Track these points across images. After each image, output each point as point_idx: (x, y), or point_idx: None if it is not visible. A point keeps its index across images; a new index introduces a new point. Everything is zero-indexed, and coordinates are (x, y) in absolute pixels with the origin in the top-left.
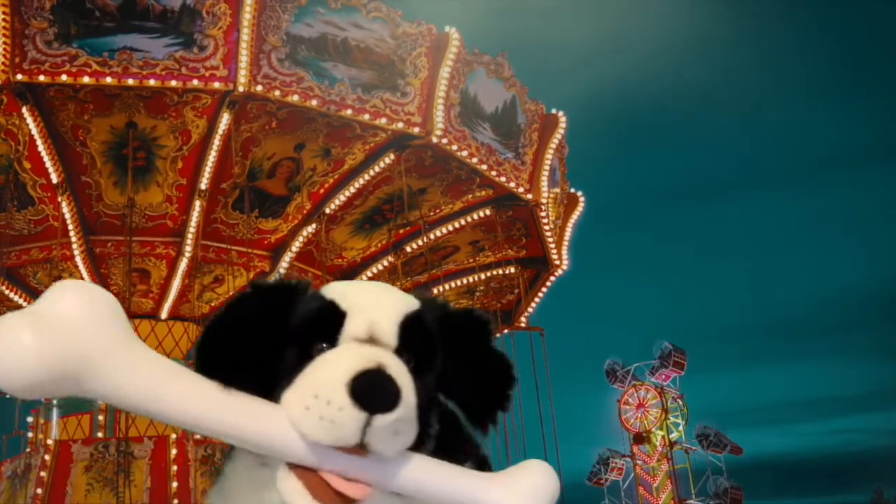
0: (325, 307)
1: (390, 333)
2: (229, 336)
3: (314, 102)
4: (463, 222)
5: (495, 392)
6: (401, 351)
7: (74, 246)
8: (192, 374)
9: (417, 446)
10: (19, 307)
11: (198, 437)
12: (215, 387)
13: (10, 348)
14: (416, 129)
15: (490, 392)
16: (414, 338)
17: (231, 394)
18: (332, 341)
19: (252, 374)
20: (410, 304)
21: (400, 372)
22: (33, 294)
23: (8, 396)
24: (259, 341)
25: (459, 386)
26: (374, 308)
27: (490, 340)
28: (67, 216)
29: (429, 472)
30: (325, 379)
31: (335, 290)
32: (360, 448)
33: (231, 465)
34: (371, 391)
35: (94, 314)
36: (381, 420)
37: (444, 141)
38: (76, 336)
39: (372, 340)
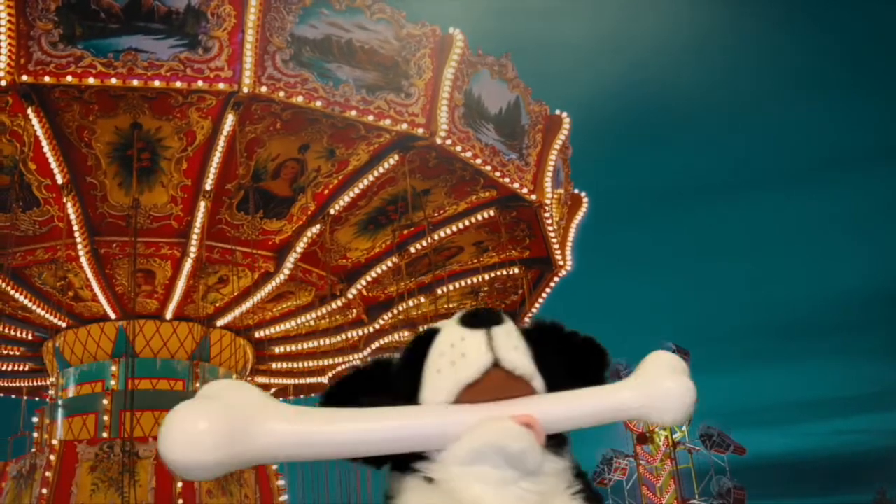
0: (421, 333)
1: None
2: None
3: (318, 103)
4: (467, 223)
5: (593, 368)
6: None
7: (79, 246)
8: (342, 409)
9: None
10: (24, 308)
11: None
12: (361, 410)
13: (188, 437)
14: (421, 130)
15: (589, 371)
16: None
17: (374, 410)
18: None
19: None
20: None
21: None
22: (38, 294)
23: (13, 397)
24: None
25: (560, 380)
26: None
27: (568, 330)
28: (72, 217)
29: (568, 400)
30: (440, 341)
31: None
32: (496, 369)
33: (398, 485)
34: (477, 314)
35: (247, 393)
36: (497, 330)
37: (449, 142)
38: (238, 412)
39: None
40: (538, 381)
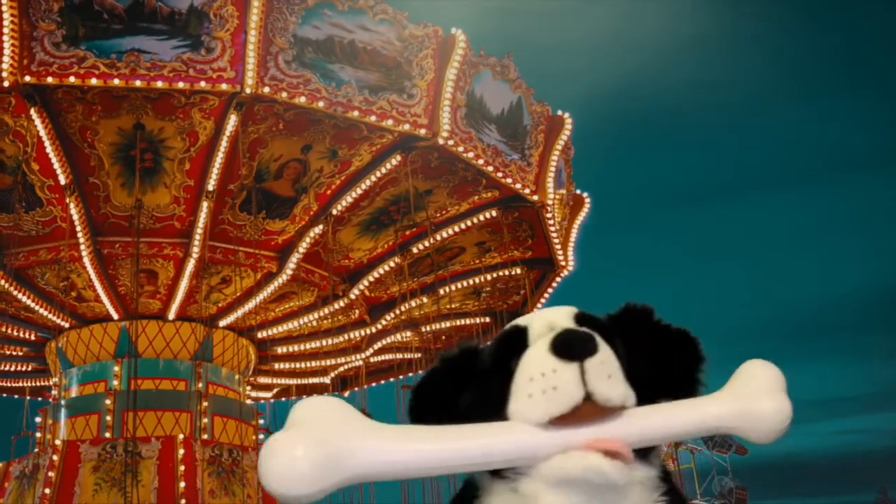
0: (507, 331)
1: (569, 323)
2: (435, 396)
3: (321, 104)
4: (469, 223)
5: (686, 361)
6: None
7: (82, 247)
8: (428, 427)
9: None
10: (27, 308)
11: (205, 437)
12: (451, 427)
13: (287, 471)
14: (423, 131)
15: (681, 365)
16: (591, 327)
17: (465, 427)
18: (523, 350)
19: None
20: (580, 309)
21: (589, 330)
22: (41, 295)
23: (16, 397)
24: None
25: (649, 374)
26: (548, 313)
27: (660, 321)
28: (75, 217)
29: (658, 414)
30: (531, 362)
31: (512, 322)
32: (587, 401)
33: (490, 495)
34: (570, 343)
35: (336, 415)
36: (591, 363)
37: (451, 142)
38: (332, 434)
39: (553, 331)
40: (631, 398)
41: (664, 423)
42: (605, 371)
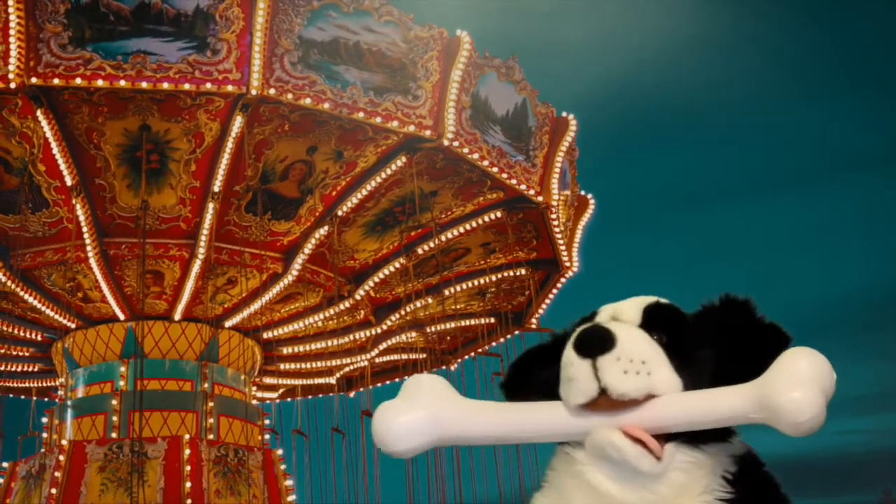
0: (586, 316)
1: (632, 315)
2: (524, 374)
3: (326, 105)
4: (474, 224)
5: (770, 358)
6: (650, 330)
7: (88, 248)
8: (502, 404)
9: None
10: (34, 309)
11: (211, 437)
12: (519, 404)
13: (392, 430)
14: (428, 132)
15: (764, 360)
16: (660, 319)
17: (529, 405)
18: None
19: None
20: (662, 300)
21: (623, 328)
22: (47, 296)
23: (22, 397)
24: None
25: (738, 367)
26: (623, 302)
27: (751, 315)
28: (82, 218)
29: (684, 401)
30: (566, 351)
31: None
32: (604, 396)
33: (552, 461)
34: (587, 340)
35: (436, 389)
36: (602, 361)
37: (456, 144)
38: (429, 406)
39: (614, 320)
40: (662, 386)
41: (686, 412)
42: (620, 367)
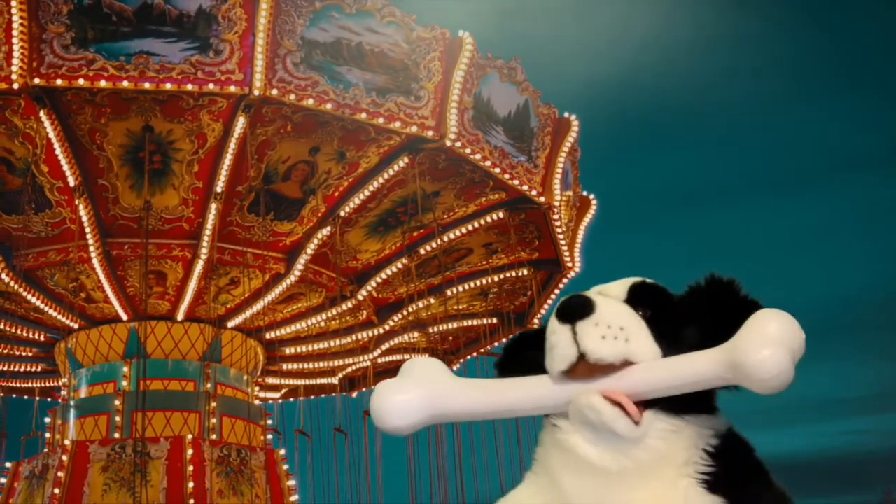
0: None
1: (618, 291)
2: (516, 353)
3: (329, 106)
4: (476, 225)
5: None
6: (634, 305)
7: (91, 248)
8: (494, 381)
9: None
10: (37, 309)
11: (214, 437)
12: (509, 380)
13: (388, 407)
14: (430, 133)
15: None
16: (644, 296)
17: (517, 380)
18: None
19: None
20: (648, 280)
21: (604, 299)
22: (50, 296)
23: (25, 398)
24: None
25: (719, 342)
26: (609, 284)
27: (735, 292)
28: (84, 219)
29: (658, 367)
30: (551, 320)
31: None
32: (582, 359)
33: (540, 435)
34: (567, 307)
35: (431, 369)
36: (581, 326)
37: (458, 144)
38: (425, 385)
39: (600, 295)
40: (640, 353)
41: (661, 375)
42: (598, 332)
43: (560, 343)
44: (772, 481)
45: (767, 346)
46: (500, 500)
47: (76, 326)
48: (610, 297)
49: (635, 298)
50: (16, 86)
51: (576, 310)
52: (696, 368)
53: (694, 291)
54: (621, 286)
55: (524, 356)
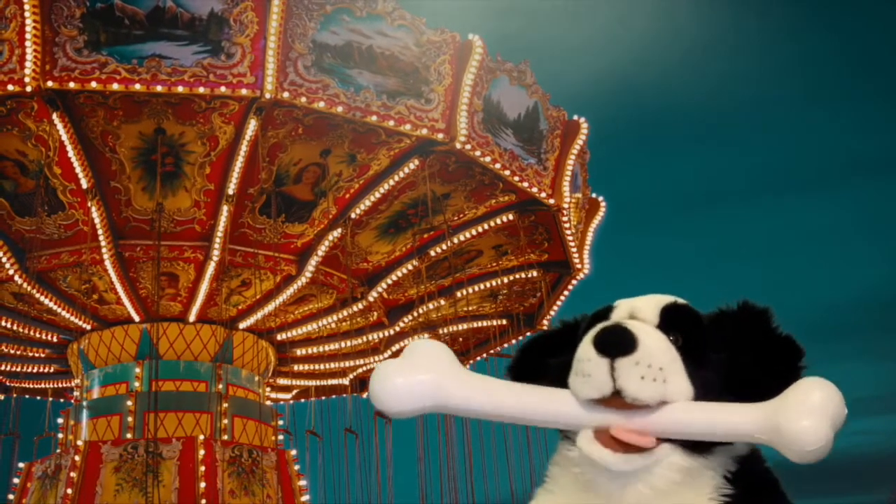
0: (600, 308)
1: (650, 314)
2: (531, 358)
3: (340, 109)
4: (486, 227)
5: (781, 370)
6: (666, 330)
7: (104, 250)
8: (505, 382)
9: None
10: (49, 311)
11: (225, 437)
12: (523, 385)
13: (388, 389)
14: (440, 136)
15: (775, 371)
16: (677, 320)
17: (534, 388)
18: None
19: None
20: (679, 300)
21: (645, 329)
22: (63, 297)
23: (38, 398)
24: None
25: (749, 375)
26: (639, 300)
27: (767, 325)
28: (97, 221)
29: (692, 412)
30: (581, 346)
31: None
32: (616, 395)
33: (554, 456)
34: (608, 340)
35: (437, 357)
36: (621, 363)
37: (468, 147)
38: (431, 371)
39: (632, 318)
40: (676, 393)
41: (695, 421)
42: (638, 372)
43: (595, 374)
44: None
45: (812, 415)
46: None
47: (89, 328)
48: (644, 323)
49: (667, 322)
50: (29, 89)
51: (617, 345)
52: (733, 422)
53: (724, 317)
54: (653, 308)
55: (540, 362)
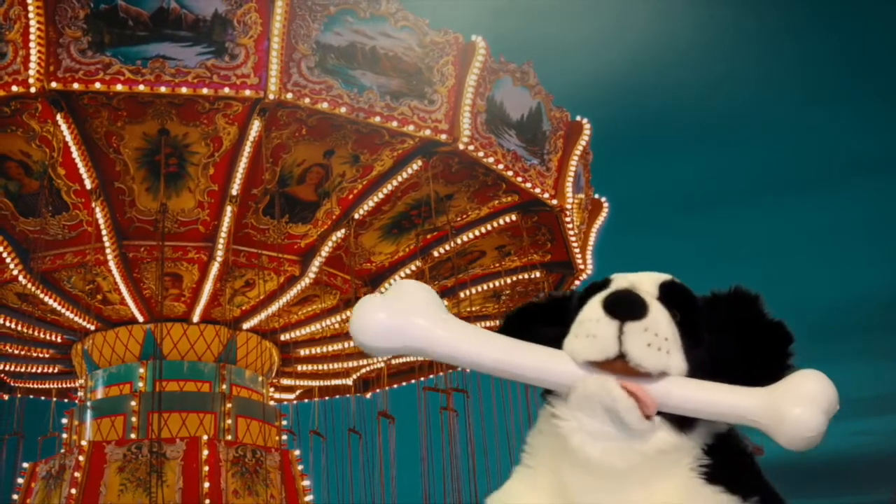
0: (597, 280)
1: (650, 288)
2: (522, 320)
3: (343, 110)
4: (489, 227)
5: (771, 354)
6: (666, 305)
7: (108, 251)
8: (492, 334)
9: None
10: (53, 311)
11: (229, 438)
12: (513, 340)
13: (369, 324)
14: (444, 136)
15: (765, 355)
16: (675, 296)
17: (525, 344)
18: None
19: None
20: (675, 278)
21: (655, 303)
22: (67, 298)
23: (42, 398)
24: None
25: (736, 359)
26: (636, 274)
27: (758, 310)
28: (101, 221)
29: (693, 388)
30: (587, 308)
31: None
32: (621, 359)
33: (539, 425)
34: (620, 303)
35: (423, 297)
36: (631, 327)
37: (471, 148)
38: (411, 309)
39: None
40: (674, 367)
41: (694, 397)
42: (645, 339)
43: (602, 335)
44: (765, 479)
45: (808, 403)
46: (492, 495)
47: (93, 328)
48: (648, 293)
49: (666, 298)
50: (33, 89)
51: (629, 309)
52: (734, 403)
53: (718, 300)
54: (652, 282)
55: (530, 329)
